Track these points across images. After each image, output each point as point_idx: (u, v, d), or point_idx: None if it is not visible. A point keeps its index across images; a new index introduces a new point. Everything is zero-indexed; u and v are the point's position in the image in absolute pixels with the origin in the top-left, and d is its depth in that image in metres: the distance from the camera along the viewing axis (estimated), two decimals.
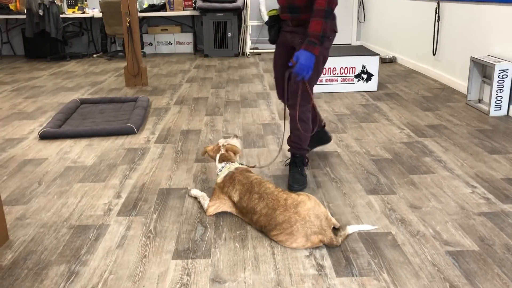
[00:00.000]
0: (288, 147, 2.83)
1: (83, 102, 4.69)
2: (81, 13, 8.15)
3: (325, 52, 2.58)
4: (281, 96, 2.86)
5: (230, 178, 2.36)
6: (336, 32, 2.59)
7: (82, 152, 3.36)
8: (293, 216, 2.06)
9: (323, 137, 3.21)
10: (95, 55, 8.30)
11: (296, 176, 2.72)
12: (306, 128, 2.68)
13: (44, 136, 3.66)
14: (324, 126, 3.18)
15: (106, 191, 2.72)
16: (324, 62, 2.61)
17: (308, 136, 2.73)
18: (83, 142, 3.58)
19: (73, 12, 8.18)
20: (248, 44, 8.04)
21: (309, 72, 2.37)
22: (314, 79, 2.59)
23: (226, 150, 2.50)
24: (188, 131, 3.80)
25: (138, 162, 3.15)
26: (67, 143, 3.56)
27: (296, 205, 2.09)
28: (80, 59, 7.98)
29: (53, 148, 3.45)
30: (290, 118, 2.73)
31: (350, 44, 8.61)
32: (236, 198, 2.31)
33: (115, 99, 4.76)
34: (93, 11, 8.17)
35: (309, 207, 2.07)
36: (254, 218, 2.20)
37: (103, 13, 7.52)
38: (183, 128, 3.89)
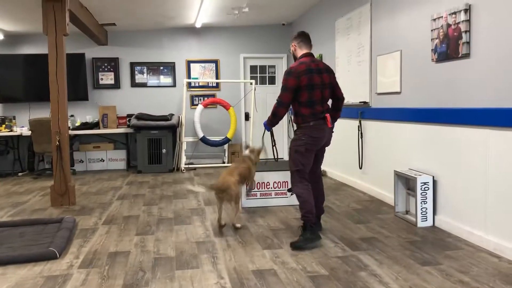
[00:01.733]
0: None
1: (1, 225, 4.33)
2: (9, 131, 7.93)
3: (297, 146, 3.76)
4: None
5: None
6: (311, 135, 3.75)
7: None
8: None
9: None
10: (20, 174, 7.94)
11: (299, 237, 3.69)
12: (300, 200, 3.72)
13: None
14: (321, 215, 4.03)
15: None
16: (297, 152, 3.75)
17: (303, 205, 3.67)
18: None
19: (0, 130, 7.95)
20: (183, 159, 8.08)
21: (264, 128, 4.05)
22: (292, 163, 3.80)
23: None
24: (116, 253, 3.56)
25: None
26: None
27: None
28: (3, 178, 7.59)
29: None
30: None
31: (282, 158, 8.92)
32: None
33: (38, 221, 4.45)
34: (22, 129, 7.99)
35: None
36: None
37: (32, 131, 7.36)
38: (111, 250, 3.66)
